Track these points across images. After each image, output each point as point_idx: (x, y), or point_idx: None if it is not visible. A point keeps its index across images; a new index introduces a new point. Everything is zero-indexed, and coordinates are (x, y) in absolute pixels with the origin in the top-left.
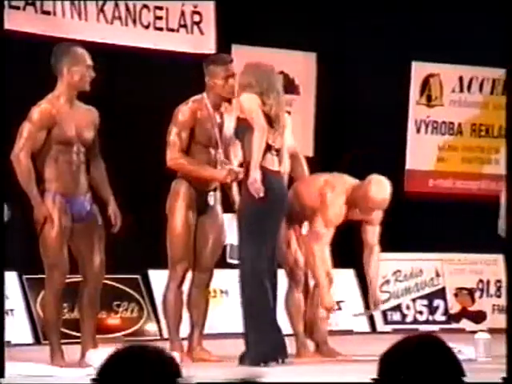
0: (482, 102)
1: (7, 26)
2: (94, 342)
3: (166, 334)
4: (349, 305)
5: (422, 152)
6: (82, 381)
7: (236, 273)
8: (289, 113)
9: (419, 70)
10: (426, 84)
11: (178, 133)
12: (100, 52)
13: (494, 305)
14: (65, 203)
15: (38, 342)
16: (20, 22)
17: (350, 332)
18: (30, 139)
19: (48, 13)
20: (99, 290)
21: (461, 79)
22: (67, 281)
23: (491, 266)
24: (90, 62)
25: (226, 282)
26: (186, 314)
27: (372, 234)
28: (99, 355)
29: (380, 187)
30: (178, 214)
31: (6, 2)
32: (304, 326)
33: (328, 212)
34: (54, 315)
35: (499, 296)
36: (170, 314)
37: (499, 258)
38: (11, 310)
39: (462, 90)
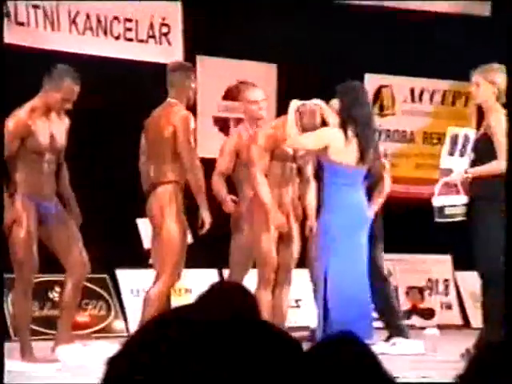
0: (433, 112)
1: None
2: (68, 337)
3: (132, 331)
4: (306, 303)
5: None
6: (52, 375)
7: (199, 272)
8: None
9: (371, 82)
10: (378, 94)
11: (188, 139)
12: (72, 62)
13: (442, 302)
14: (33, 205)
15: (8, 338)
16: None
17: (306, 328)
18: (5, 147)
19: (22, 24)
20: (79, 287)
21: (412, 90)
22: (38, 280)
23: (439, 265)
24: (73, 95)
25: (190, 281)
26: None
27: (307, 170)
28: (69, 351)
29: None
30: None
31: None
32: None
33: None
34: (24, 312)
35: (447, 294)
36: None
37: (447, 259)
38: None
39: (413, 101)
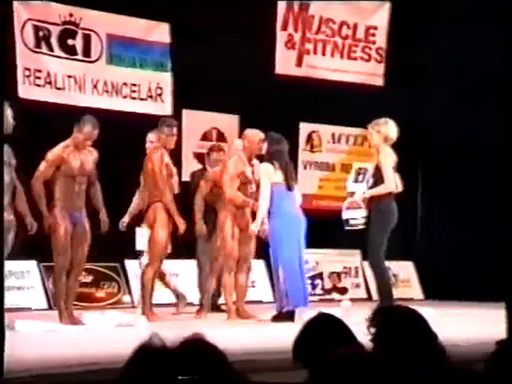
0: (347, 150)
1: (31, 97)
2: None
3: (135, 303)
4: (260, 284)
5: (308, 182)
6: (80, 334)
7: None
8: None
9: (305, 128)
10: (309, 137)
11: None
12: (95, 114)
13: (353, 283)
14: (67, 214)
15: (50, 308)
16: (39, 94)
17: (260, 302)
18: (44, 172)
19: (59, 88)
20: (79, 277)
21: (333, 134)
22: None
23: (351, 257)
24: (92, 136)
25: (177, 268)
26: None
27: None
28: (92, 317)
29: None
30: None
31: (30, 79)
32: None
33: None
34: (60, 289)
35: (356, 277)
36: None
37: (357, 252)
38: (32, 287)
39: (334, 142)
